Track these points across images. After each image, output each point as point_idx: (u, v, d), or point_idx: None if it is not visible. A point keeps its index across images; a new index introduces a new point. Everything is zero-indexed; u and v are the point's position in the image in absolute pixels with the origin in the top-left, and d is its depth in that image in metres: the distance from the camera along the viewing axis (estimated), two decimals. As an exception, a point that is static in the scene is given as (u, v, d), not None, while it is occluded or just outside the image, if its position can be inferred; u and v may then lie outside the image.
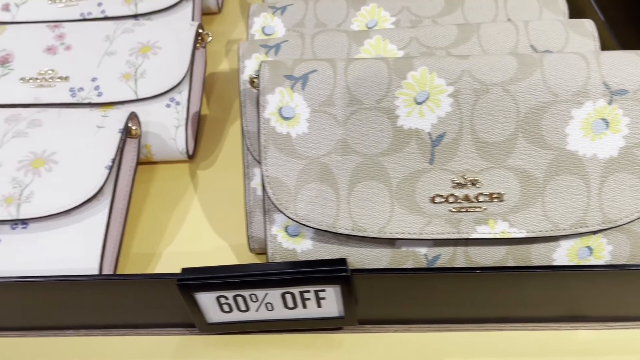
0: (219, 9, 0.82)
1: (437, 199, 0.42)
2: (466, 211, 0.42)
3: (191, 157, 0.61)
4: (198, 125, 0.64)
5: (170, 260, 0.53)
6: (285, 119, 0.42)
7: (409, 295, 0.46)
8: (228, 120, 0.66)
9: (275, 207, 0.43)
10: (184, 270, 0.44)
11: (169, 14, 0.71)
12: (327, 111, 0.42)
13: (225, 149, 0.62)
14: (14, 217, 0.48)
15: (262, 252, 0.52)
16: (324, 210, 0.42)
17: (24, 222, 0.49)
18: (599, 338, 0.46)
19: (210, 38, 0.65)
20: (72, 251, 0.48)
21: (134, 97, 0.60)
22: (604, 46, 0.58)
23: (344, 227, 0.42)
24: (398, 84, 0.42)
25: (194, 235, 0.54)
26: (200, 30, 0.64)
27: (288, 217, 0.43)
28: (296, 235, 0.45)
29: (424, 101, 0.41)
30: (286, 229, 0.45)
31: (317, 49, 0.49)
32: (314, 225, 0.42)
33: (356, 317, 0.46)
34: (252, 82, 0.45)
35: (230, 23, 0.80)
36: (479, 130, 0.41)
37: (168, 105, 0.60)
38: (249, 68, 0.49)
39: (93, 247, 0.49)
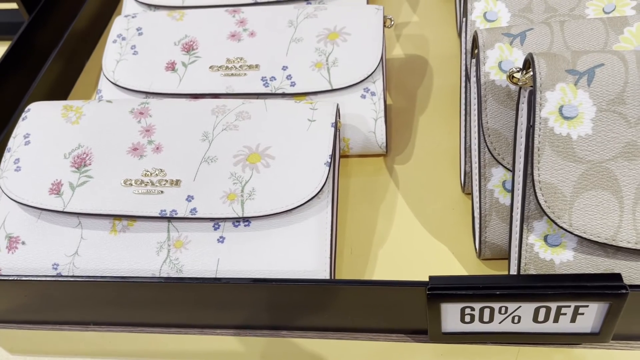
0: (379, -9, 0.78)
1: None
2: None
3: (387, 151, 0.58)
4: (387, 118, 0.61)
5: (388, 263, 0.50)
6: (566, 118, 0.38)
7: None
8: (415, 111, 0.62)
9: (546, 215, 0.39)
10: (432, 278, 0.41)
11: (342, -4, 0.68)
12: (617, 110, 0.38)
13: (419, 142, 0.59)
14: (239, 215, 0.47)
15: (493, 258, 0.48)
16: (604, 221, 0.38)
17: (246, 219, 0.48)
18: None
19: (393, 22, 0.61)
20: (298, 252, 0.46)
21: (328, 88, 0.57)
22: None
23: (626, 240, 0.38)
24: (703, 81, 0.37)
25: (406, 236, 0.51)
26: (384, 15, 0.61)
27: (561, 227, 0.39)
28: (556, 246, 0.41)
29: None
30: (545, 239, 0.41)
31: (569, 39, 0.44)
32: (591, 237, 0.38)
33: (612, 334, 0.43)
34: (510, 77, 0.41)
35: (390, 6, 0.76)
36: None
37: (363, 96, 0.57)
38: (492, 59, 0.45)
39: (320, 248, 0.46)
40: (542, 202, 0.39)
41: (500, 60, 0.45)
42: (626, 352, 0.45)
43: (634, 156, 0.38)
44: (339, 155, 0.54)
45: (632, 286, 0.39)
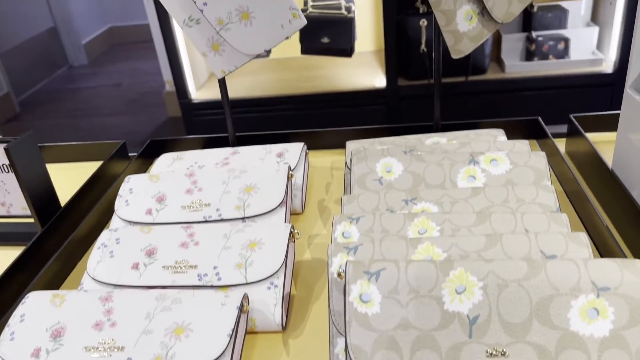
0: (302, 210, 1.05)
1: (476, 365, 0.57)
2: (498, 375, 0.56)
3: (284, 328, 0.78)
4: (289, 303, 0.83)
5: (270, 411, 0.67)
6: (364, 302, 0.60)
7: None
8: (311, 299, 0.84)
9: (357, 368, 0.59)
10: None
11: (268, 216, 0.95)
12: (394, 297, 0.60)
13: (310, 323, 0.80)
14: (162, 371, 0.66)
15: (342, 406, 0.66)
16: (388, 372, 0.58)
17: (167, 375, 0.67)
18: None
19: (299, 236, 0.87)
20: (201, 399, 0.65)
21: (244, 282, 0.80)
22: (607, 247, 0.75)
23: (407, 385, 0.57)
24: (443, 279, 0.60)
25: (287, 391, 0.70)
26: (292, 230, 0.86)
27: (365, 375, 0.58)
28: (371, 391, 0.60)
29: (462, 292, 0.59)
30: (363, 386, 0.60)
31: (384, 251, 0.68)
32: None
33: None
34: (339, 275, 0.64)
35: (310, 221, 1.03)
36: (503, 313, 0.58)
37: (269, 288, 0.80)
38: (336, 264, 0.68)
39: (216, 396, 0.65)
40: (353, 358, 0.59)
41: (340, 264, 0.68)
42: None
43: (406, 327, 0.59)
44: (246, 331, 0.75)
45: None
